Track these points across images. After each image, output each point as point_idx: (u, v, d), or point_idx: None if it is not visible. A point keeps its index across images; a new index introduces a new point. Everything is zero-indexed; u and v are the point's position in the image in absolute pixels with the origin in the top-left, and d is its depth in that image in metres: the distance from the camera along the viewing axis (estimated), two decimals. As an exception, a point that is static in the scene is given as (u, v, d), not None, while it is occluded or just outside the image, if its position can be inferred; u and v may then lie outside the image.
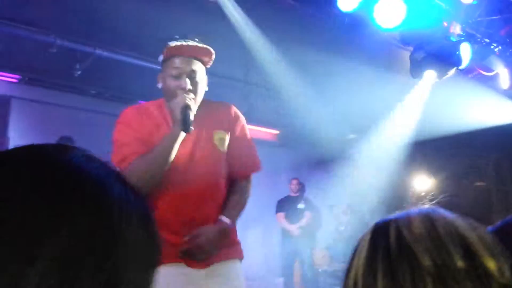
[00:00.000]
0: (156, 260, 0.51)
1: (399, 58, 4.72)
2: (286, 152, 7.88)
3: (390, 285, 0.59)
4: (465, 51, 4.23)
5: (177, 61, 1.86)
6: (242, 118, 2.06)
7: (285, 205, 7.33)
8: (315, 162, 8.22)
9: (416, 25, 3.86)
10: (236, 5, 4.01)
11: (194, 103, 1.84)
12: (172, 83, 1.86)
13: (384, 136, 6.80)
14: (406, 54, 4.59)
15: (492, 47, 4.64)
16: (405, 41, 4.22)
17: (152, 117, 1.91)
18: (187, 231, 1.80)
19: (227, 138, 1.98)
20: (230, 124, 2.01)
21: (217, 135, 1.96)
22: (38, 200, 0.43)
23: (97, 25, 4.20)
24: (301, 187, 7.53)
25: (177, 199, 1.85)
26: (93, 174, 0.48)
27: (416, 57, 4.35)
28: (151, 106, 1.96)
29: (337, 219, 7.94)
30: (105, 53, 4.66)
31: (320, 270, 7.44)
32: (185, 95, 1.81)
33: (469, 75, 4.97)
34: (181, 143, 1.84)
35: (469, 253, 0.60)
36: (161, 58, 1.92)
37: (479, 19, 4.36)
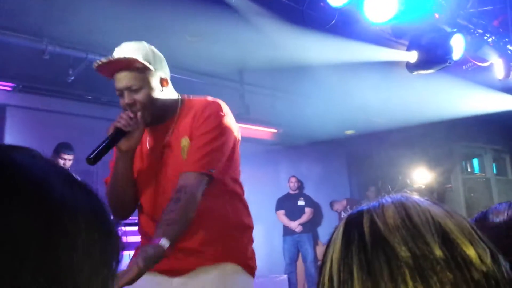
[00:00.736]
0: (110, 259, 0.49)
1: (392, 52, 4.70)
2: (284, 150, 7.88)
3: (366, 279, 0.57)
4: (458, 43, 4.22)
5: (115, 81, 1.76)
6: (211, 114, 1.80)
7: (285, 202, 7.35)
8: (313, 158, 8.22)
9: (407, 18, 3.84)
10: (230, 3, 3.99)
11: (141, 117, 1.74)
12: (120, 102, 1.78)
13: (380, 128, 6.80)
14: (399, 47, 4.59)
15: (485, 37, 4.63)
16: (397, 34, 4.21)
17: None
18: None
19: (188, 144, 1.80)
20: (192, 127, 1.80)
21: (182, 142, 1.81)
22: None
23: (88, 30, 4.19)
24: (300, 184, 7.55)
25: (150, 214, 1.84)
26: (35, 173, 0.46)
27: (410, 52, 4.35)
28: None
29: (338, 215, 7.94)
30: (97, 58, 4.63)
31: (323, 266, 7.44)
32: (122, 115, 1.72)
33: (464, 67, 4.96)
34: (151, 155, 1.83)
35: (447, 241, 0.57)
36: None
37: (471, 10, 4.34)
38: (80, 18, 3.98)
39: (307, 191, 7.70)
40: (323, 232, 7.94)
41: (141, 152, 1.88)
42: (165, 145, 1.84)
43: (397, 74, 4.92)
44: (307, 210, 7.33)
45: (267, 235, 7.48)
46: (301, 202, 7.36)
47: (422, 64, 4.34)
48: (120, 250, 0.50)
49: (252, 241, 1.94)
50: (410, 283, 0.55)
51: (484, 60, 4.87)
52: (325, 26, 3.70)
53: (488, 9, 4.56)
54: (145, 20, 3.90)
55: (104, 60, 1.69)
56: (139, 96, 1.73)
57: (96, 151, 1.65)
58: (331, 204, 8.06)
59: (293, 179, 7.47)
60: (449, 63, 4.13)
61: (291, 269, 7.16)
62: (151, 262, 1.46)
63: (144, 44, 1.78)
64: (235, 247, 1.84)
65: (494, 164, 8.72)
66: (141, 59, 1.72)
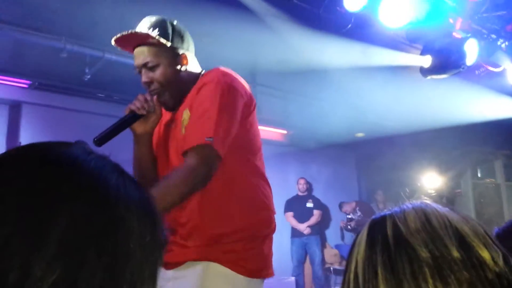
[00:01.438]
0: (158, 246, 0.52)
1: (406, 56, 4.72)
2: (294, 152, 7.90)
3: (390, 277, 0.62)
4: (472, 48, 4.23)
5: (134, 58, 1.70)
6: (207, 82, 1.66)
7: (293, 204, 7.36)
8: (323, 161, 8.24)
9: (422, 23, 3.86)
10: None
11: (161, 93, 1.69)
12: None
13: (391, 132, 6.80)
14: (413, 52, 4.60)
15: (499, 43, 4.63)
16: (411, 39, 4.23)
17: None
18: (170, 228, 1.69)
19: (187, 117, 1.67)
20: (193, 97, 1.68)
21: (183, 115, 1.68)
22: (35, 191, 0.46)
23: (105, 29, 4.25)
24: (309, 186, 7.57)
25: None
26: (90, 165, 0.51)
27: (424, 57, 4.37)
28: None
29: (347, 217, 7.94)
30: (114, 57, 4.71)
31: (331, 268, 7.46)
32: (139, 97, 1.66)
33: (476, 71, 4.96)
34: (164, 132, 1.76)
35: (463, 244, 0.62)
36: None
37: (485, 15, 4.35)
38: (97, 18, 4.05)
39: (316, 193, 7.72)
40: (331, 234, 7.96)
41: (159, 130, 1.81)
42: (172, 120, 1.76)
43: (409, 78, 4.94)
44: (316, 212, 7.34)
45: (275, 237, 7.47)
46: (309, 204, 7.38)
47: (436, 69, 4.36)
48: (164, 238, 0.54)
49: (254, 239, 1.74)
50: (430, 281, 0.60)
51: (497, 65, 4.87)
52: (341, 30, 3.73)
53: (502, 14, 4.56)
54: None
55: (118, 34, 1.64)
56: (156, 74, 1.66)
57: (104, 133, 1.57)
58: (340, 205, 8.06)
59: (302, 181, 7.49)
60: (463, 68, 4.14)
61: (298, 271, 7.17)
62: None
63: (162, 19, 1.71)
64: (221, 245, 1.64)
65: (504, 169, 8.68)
66: (155, 34, 1.64)
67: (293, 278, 6.99)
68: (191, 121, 1.63)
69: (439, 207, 0.69)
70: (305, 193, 7.48)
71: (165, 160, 1.75)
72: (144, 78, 1.68)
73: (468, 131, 6.42)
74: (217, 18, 4.05)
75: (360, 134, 7.73)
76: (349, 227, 7.68)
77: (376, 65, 4.66)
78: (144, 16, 1.78)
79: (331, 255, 7.70)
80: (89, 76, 4.98)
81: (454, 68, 4.17)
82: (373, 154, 7.94)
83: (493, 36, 4.56)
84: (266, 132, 7.22)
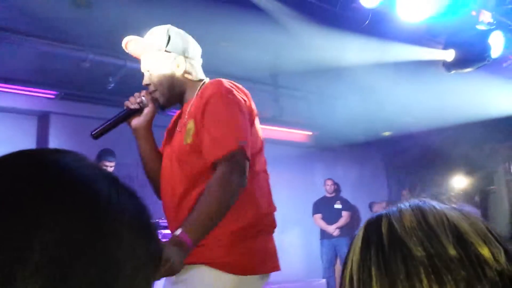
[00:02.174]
0: (152, 259, 0.50)
1: (428, 51, 4.63)
2: (319, 152, 7.85)
3: (384, 278, 0.59)
4: (498, 40, 4.11)
5: None
6: (216, 93, 1.69)
7: (321, 206, 7.30)
8: (349, 161, 8.15)
9: (443, 16, 3.78)
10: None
11: (148, 96, 1.82)
12: None
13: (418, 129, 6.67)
14: (435, 46, 4.51)
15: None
16: (432, 33, 4.14)
17: None
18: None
19: (193, 127, 1.71)
20: (197, 108, 1.73)
21: (188, 125, 1.75)
22: (19, 199, 0.44)
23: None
24: (337, 187, 7.49)
25: (163, 199, 1.83)
26: (80, 173, 0.49)
27: (447, 51, 4.27)
28: None
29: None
30: (135, 65, 4.77)
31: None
32: (135, 94, 1.84)
33: (504, 64, 4.82)
34: (171, 139, 1.86)
35: (461, 241, 0.59)
36: None
37: (510, 6, 4.22)
38: (118, 28, 4.12)
39: (344, 194, 7.63)
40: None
41: (169, 137, 1.91)
42: (176, 129, 1.87)
43: (433, 73, 4.84)
44: (344, 213, 7.25)
45: (304, 239, 7.46)
46: (338, 206, 7.30)
47: (459, 62, 4.25)
48: (160, 250, 0.52)
49: (245, 234, 1.68)
50: (425, 281, 0.57)
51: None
52: (359, 27, 3.68)
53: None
54: (181, 27, 3.99)
55: (122, 43, 1.82)
56: (152, 77, 1.82)
57: (101, 127, 1.72)
58: (371, 206, 7.95)
59: (329, 182, 7.41)
60: (488, 61, 4.03)
61: (329, 273, 7.10)
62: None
63: (163, 27, 1.85)
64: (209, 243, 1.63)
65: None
66: (149, 40, 1.82)
67: (324, 280, 6.93)
68: (204, 133, 1.66)
69: (438, 204, 0.66)
70: (333, 194, 7.41)
71: (167, 164, 1.84)
72: (143, 81, 1.85)
73: (499, 125, 6.24)
74: (236, 22, 4.06)
75: (387, 133, 7.62)
76: (379, 227, 7.55)
77: (397, 60, 4.59)
78: (164, 23, 1.87)
79: (362, 256, 7.59)
80: (113, 85, 5.07)
81: (479, 61, 4.06)
82: (400, 153, 7.80)
83: (520, 27, 4.41)
84: (291, 134, 7.20)
